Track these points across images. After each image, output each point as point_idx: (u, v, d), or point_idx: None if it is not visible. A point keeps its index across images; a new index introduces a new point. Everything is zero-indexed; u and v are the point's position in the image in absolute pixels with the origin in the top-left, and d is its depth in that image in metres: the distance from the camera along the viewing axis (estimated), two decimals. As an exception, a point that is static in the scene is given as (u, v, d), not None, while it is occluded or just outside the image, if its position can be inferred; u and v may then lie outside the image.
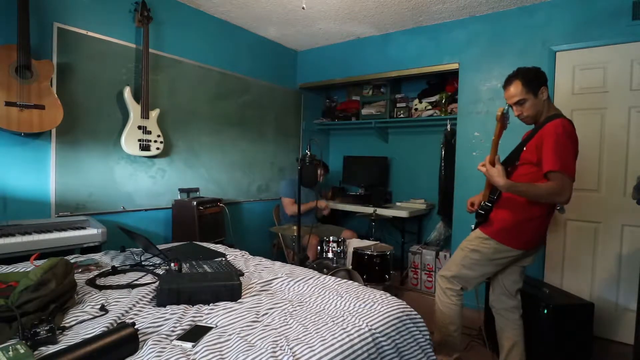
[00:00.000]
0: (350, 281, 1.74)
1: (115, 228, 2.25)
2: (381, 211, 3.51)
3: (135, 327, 1.08)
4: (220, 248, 2.28)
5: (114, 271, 1.71)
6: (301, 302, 1.46)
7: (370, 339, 1.21)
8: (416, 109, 3.84)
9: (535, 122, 1.89)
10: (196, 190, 3.20)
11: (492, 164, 1.75)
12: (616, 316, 2.61)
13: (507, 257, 1.89)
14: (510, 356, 1.99)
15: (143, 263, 1.85)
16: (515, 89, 1.82)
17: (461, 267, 1.96)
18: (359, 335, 1.19)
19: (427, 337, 1.44)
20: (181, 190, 3.07)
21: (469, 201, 2.13)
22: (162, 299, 1.36)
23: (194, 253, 2.06)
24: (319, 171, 3.24)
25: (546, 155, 1.71)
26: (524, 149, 1.84)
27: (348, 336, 1.17)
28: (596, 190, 2.69)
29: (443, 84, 3.76)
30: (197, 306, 1.36)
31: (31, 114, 2.09)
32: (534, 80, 1.81)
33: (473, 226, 2.01)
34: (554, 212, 1.91)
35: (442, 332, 2.01)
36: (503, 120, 1.75)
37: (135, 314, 1.28)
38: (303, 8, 3.04)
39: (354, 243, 3.08)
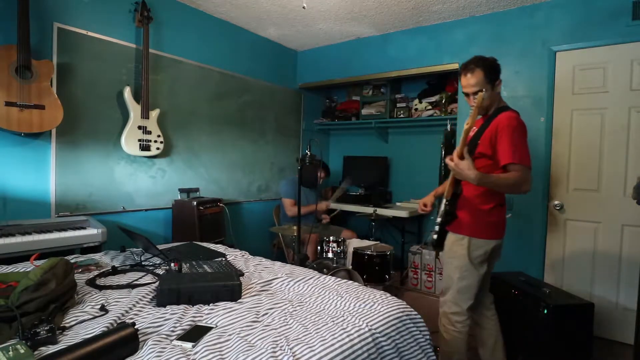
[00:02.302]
0: (350, 281, 1.74)
1: (115, 228, 2.25)
2: (381, 211, 3.50)
3: (135, 327, 1.08)
4: (220, 248, 2.27)
5: (114, 271, 1.71)
6: (301, 302, 1.46)
7: (370, 339, 1.21)
8: (416, 109, 3.84)
9: (486, 113, 1.87)
10: (196, 190, 3.20)
11: (461, 157, 1.68)
12: (616, 316, 2.61)
13: (488, 250, 1.84)
14: (495, 351, 1.98)
15: (143, 263, 1.85)
16: (477, 78, 1.78)
17: (458, 281, 1.86)
18: (359, 336, 1.19)
19: (427, 337, 1.44)
20: (181, 190, 3.07)
21: (421, 202, 2.13)
22: (162, 299, 1.36)
23: (194, 253, 2.06)
24: (319, 174, 3.23)
25: (503, 148, 1.71)
26: (478, 142, 1.81)
27: (348, 336, 1.17)
28: (596, 190, 2.69)
29: (443, 84, 3.76)
30: (197, 306, 1.36)
31: (31, 114, 2.09)
32: (494, 71, 1.80)
33: (437, 228, 1.92)
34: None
35: None
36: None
37: (135, 314, 1.28)
38: (304, 7, 3.04)
39: (354, 243, 3.07)
